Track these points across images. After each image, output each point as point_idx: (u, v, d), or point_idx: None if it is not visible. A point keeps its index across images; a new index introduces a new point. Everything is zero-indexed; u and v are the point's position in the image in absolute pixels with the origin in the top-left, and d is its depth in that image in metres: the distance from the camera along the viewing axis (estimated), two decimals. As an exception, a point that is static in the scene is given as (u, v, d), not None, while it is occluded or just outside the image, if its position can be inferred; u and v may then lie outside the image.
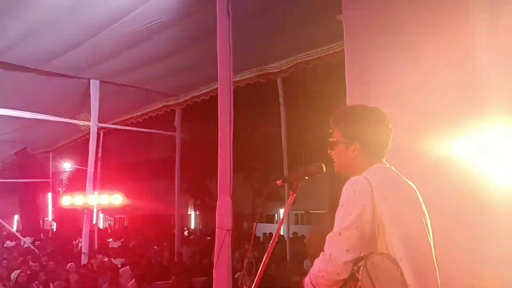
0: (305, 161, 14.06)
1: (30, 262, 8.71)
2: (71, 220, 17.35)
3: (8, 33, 7.18)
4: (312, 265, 1.83)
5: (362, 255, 1.68)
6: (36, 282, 6.92)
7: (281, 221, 2.34)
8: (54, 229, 18.23)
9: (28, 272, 7.42)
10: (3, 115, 8.90)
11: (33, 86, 9.36)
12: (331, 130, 1.98)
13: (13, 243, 12.98)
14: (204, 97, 10.11)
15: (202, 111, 11.07)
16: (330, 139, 1.97)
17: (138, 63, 8.63)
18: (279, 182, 2.11)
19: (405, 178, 1.91)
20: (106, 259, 9.34)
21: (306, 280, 1.78)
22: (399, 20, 3.82)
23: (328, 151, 1.99)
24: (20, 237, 12.77)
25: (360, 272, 1.62)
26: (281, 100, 9.34)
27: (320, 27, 6.92)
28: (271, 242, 2.11)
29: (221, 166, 4.01)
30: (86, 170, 9.72)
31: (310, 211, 18.26)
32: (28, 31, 7.13)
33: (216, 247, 3.85)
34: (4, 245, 12.57)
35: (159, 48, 7.93)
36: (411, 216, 1.78)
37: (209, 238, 12.51)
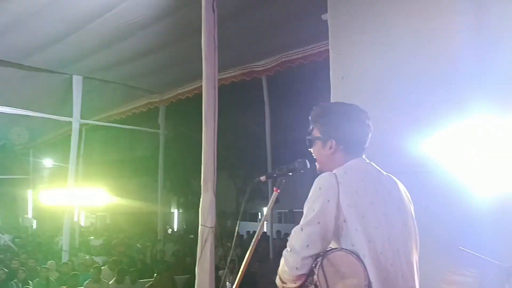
0: (289, 160, 14.08)
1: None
2: (51, 217, 17.11)
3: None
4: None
5: (323, 250, 1.67)
6: (15, 280, 6.81)
7: (264, 218, 2.34)
8: (34, 227, 17.96)
9: (7, 270, 7.29)
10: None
11: (14, 81, 9.21)
12: (310, 128, 1.99)
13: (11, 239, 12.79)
14: (188, 95, 10.05)
15: (186, 109, 11.00)
16: (308, 137, 1.98)
17: (122, 59, 8.54)
18: (263, 178, 2.11)
19: (388, 174, 1.91)
20: (87, 257, 9.23)
21: (277, 275, 1.79)
22: (384, 20, 3.86)
23: (308, 149, 2.00)
24: (-1, 234, 12.56)
25: (317, 267, 1.62)
26: (265, 98, 9.35)
27: (305, 26, 6.94)
28: (254, 239, 2.10)
29: (205, 163, 4.00)
30: (67, 167, 9.58)
31: (294, 210, 18.35)
32: (9, 24, 7.00)
33: (199, 244, 3.83)
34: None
35: (144, 44, 7.86)
36: (380, 212, 1.75)
37: (192, 236, 12.47)
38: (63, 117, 10.01)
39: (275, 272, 1.82)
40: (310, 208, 1.72)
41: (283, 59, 8.35)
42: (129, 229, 15.12)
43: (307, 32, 7.26)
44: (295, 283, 1.70)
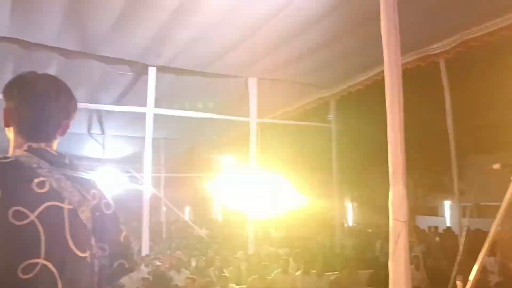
0: (475, 150, 12.82)
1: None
2: (235, 211, 18.51)
3: (177, 40, 7.90)
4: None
5: None
6: (212, 268, 7.52)
7: (503, 211, 2.06)
8: (220, 220, 19.67)
9: (204, 258, 8.09)
10: (174, 116, 9.78)
11: (199, 87, 10.17)
12: None
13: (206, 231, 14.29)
14: (359, 87, 9.82)
15: (358, 102, 10.80)
16: None
17: (292, 57, 8.74)
18: (497, 165, 1.85)
19: None
20: (272, 249, 9.71)
21: None
22: None
23: None
24: (194, 226, 14.04)
25: None
26: (445, 83, 8.60)
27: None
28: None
29: (393, 154, 3.80)
30: (245, 164, 10.15)
31: (481, 203, 16.61)
32: (194, 36, 7.74)
33: (391, 239, 3.66)
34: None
35: (313, 40, 7.91)
36: None
37: (370, 230, 12.21)
38: (241, 117, 10.67)
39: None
40: None
41: (464, 38, 7.56)
42: (306, 223, 15.48)
43: (492, 2, 6.46)
44: None
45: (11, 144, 1.51)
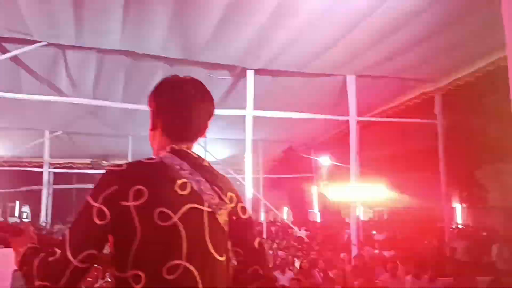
0: None
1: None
2: (333, 212, 18.30)
3: (275, 42, 7.96)
4: None
5: None
6: (317, 269, 7.45)
7: None
8: (318, 221, 19.49)
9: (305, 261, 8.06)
10: (272, 117, 9.87)
11: (296, 88, 10.16)
12: None
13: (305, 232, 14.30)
14: (468, 79, 9.14)
15: (467, 95, 10.07)
16: None
17: (393, 52, 8.40)
18: None
19: None
20: (376, 251, 9.39)
21: None
22: None
23: None
24: (293, 227, 14.05)
25: None
26: None
27: None
28: None
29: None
30: (344, 164, 9.95)
31: None
32: (292, 38, 7.75)
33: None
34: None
35: (416, 33, 7.53)
36: None
37: (485, 233, 11.31)
38: (340, 116, 10.47)
39: None
40: None
41: None
42: (411, 225, 14.79)
43: None
44: None
45: (155, 146, 1.56)
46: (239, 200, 1.58)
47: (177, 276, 1.31)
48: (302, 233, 13.87)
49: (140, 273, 1.29)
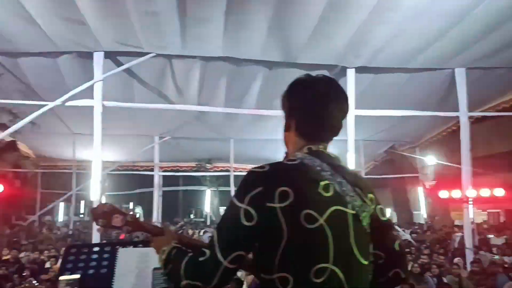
0: None
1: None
2: (441, 214, 17.28)
3: (376, 39, 7.71)
4: None
5: None
6: (430, 274, 7.05)
7: None
8: (424, 222, 18.51)
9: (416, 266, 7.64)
10: (372, 116, 9.53)
11: (398, 84, 9.74)
12: None
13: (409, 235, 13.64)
14: None
15: None
16: None
17: (507, 42, 7.75)
18: None
19: None
20: (497, 256, 8.67)
21: None
22: None
23: None
24: (399, 229, 13.48)
25: None
26: None
27: None
28: None
29: None
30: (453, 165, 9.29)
31: None
32: (393, 33, 7.45)
33: None
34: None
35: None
36: None
37: None
38: (449, 112, 9.85)
39: None
40: None
41: None
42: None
43: None
44: None
45: (290, 147, 1.54)
46: (378, 201, 1.53)
47: (324, 280, 1.29)
48: (408, 235, 13.27)
49: (287, 275, 1.29)
